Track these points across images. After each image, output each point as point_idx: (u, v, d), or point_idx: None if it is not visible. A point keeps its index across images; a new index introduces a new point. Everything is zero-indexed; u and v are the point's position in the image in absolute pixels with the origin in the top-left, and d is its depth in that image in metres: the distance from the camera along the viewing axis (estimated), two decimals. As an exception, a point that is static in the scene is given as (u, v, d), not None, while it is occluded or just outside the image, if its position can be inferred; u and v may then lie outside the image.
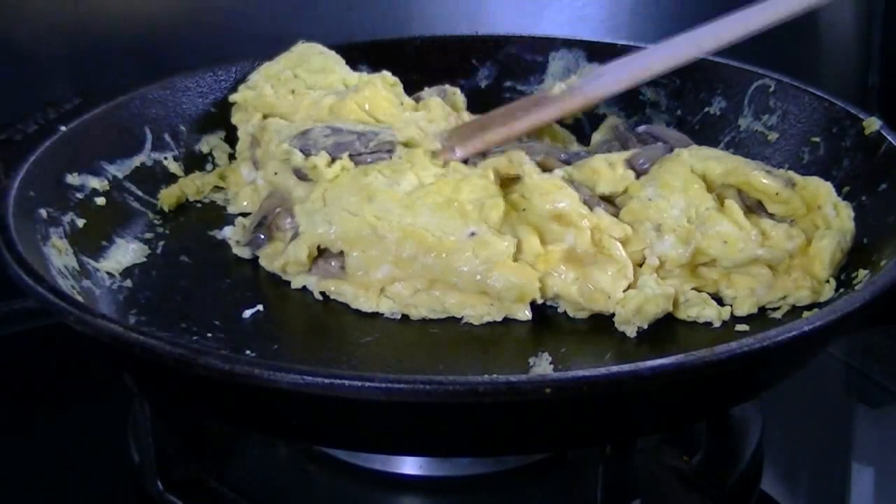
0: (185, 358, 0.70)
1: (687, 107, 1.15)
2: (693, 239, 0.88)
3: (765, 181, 0.90)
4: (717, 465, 0.92)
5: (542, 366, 0.82)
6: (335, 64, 1.12)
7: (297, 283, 0.94)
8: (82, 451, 0.97)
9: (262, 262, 0.97)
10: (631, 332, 0.86)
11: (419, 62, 1.20)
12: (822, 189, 0.91)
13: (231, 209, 1.06)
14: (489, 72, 1.22)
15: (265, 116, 1.07)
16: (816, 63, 1.52)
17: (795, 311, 0.88)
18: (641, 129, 1.02)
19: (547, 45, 1.20)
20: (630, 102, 1.18)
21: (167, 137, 1.09)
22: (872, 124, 0.98)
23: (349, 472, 0.90)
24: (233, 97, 1.10)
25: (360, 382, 0.67)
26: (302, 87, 1.08)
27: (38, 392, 1.05)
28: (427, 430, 0.74)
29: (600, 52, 1.18)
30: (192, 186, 1.07)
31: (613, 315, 0.87)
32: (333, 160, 0.94)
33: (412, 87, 1.13)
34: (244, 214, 1.04)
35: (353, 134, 0.98)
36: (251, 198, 1.05)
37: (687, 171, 0.92)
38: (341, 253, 0.91)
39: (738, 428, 0.96)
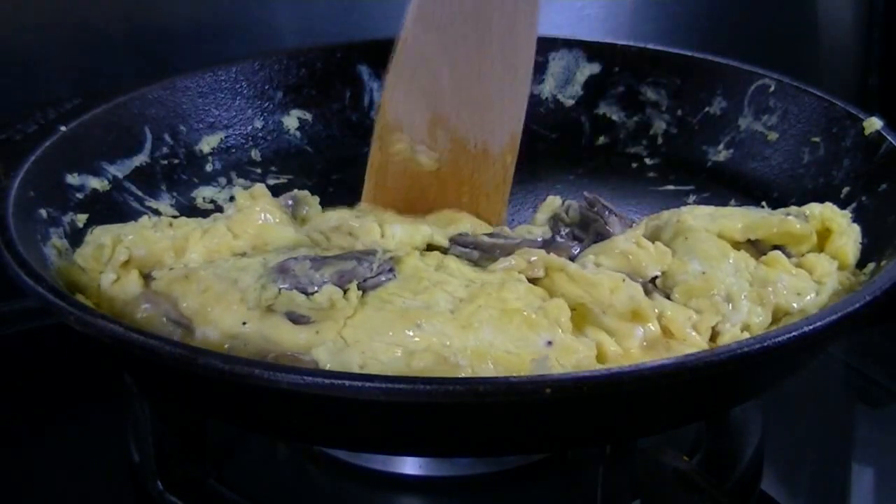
0: (185, 358, 0.70)
1: (687, 107, 1.15)
2: (767, 299, 0.84)
3: (799, 226, 0.90)
4: (717, 465, 0.92)
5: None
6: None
7: None
8: (82, 450, 0.97)
9: None
10: None
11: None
12: (827, 211, 0.92)
13: None
14: (489, 72, 1.22)
15: (142, 273, 0.87)
16: (816, 63, 1.52)
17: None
18: (587, 196, 0.96)
19: (547, 45, 1.20)
20: (630, 102, 1.18)
21: (167, 137, 1.09)
22: (872, 124, 0.98)
23: (349, 472, 0.90)
24: (82, 255, 0.90)
25: (360, 382, 0.67)
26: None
27: (39, 392, 1.05)
28: (427, 430, 0.74)
29: (600, 52, 1.19)
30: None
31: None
32: (345, 292, 0.82)
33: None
34: None
35: (348, 260, 0.86)
36: None
37: (708, 235, 0.89)
38: None
39: (738, 428, 0.96)
